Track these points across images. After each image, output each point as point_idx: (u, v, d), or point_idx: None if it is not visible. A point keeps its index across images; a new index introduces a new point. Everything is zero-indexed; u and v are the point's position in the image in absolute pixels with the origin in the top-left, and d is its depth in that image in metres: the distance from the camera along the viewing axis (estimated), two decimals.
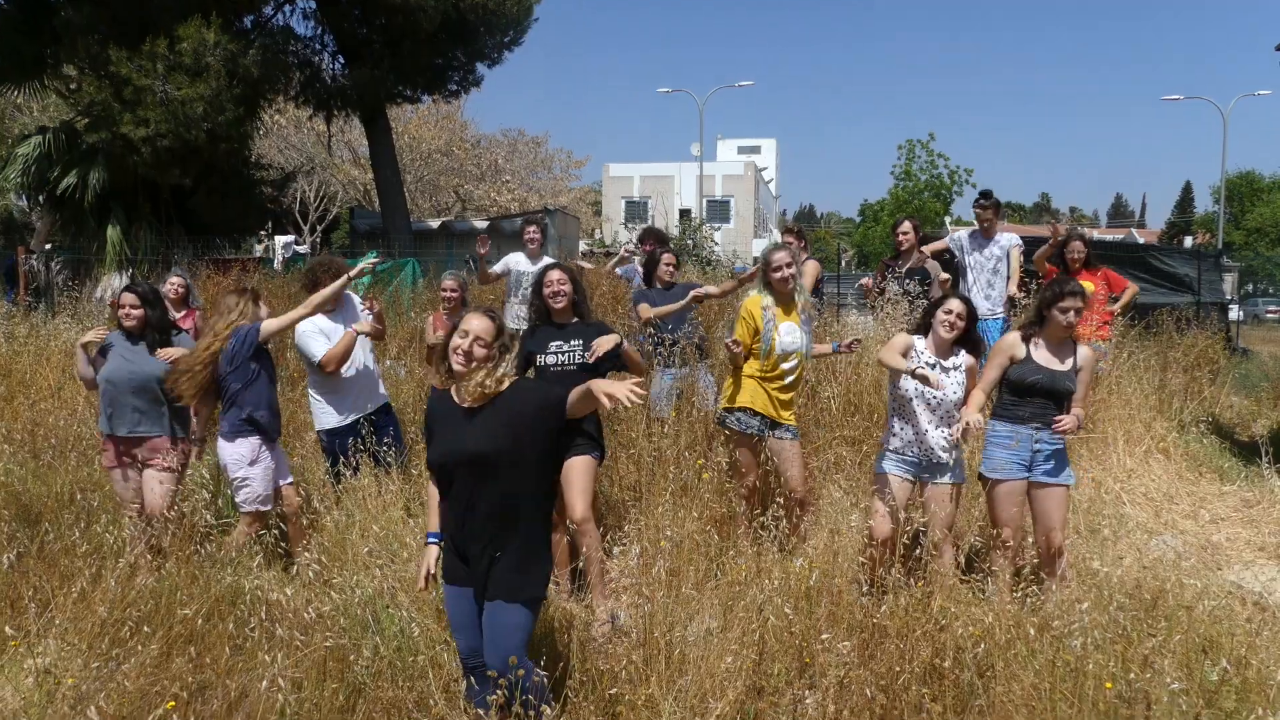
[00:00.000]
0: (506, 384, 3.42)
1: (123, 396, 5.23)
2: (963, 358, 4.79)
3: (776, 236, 48.54)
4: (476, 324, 3.42)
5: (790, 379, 5.32)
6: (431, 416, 3.54)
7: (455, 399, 3.47)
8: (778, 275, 5.29)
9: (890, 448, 4.82)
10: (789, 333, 5.29)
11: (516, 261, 8.10)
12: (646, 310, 6.53)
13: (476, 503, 3.36)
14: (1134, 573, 4.40)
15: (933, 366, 4.70)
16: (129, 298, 5.34)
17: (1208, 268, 14.05)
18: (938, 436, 4.69)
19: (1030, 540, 4.70)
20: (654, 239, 8.61)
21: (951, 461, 4.74)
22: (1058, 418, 4.55)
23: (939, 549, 4.55)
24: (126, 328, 5.32)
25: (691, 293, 6.56)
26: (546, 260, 7.97)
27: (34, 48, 15.38)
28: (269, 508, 5.27)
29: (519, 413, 3.36)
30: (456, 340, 3.40)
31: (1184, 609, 3.79)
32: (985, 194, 8.14)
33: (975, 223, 8.21)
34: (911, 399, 4.71)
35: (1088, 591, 4.07)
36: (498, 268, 8.25)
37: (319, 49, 18.51)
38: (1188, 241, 48.72)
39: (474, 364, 3.38)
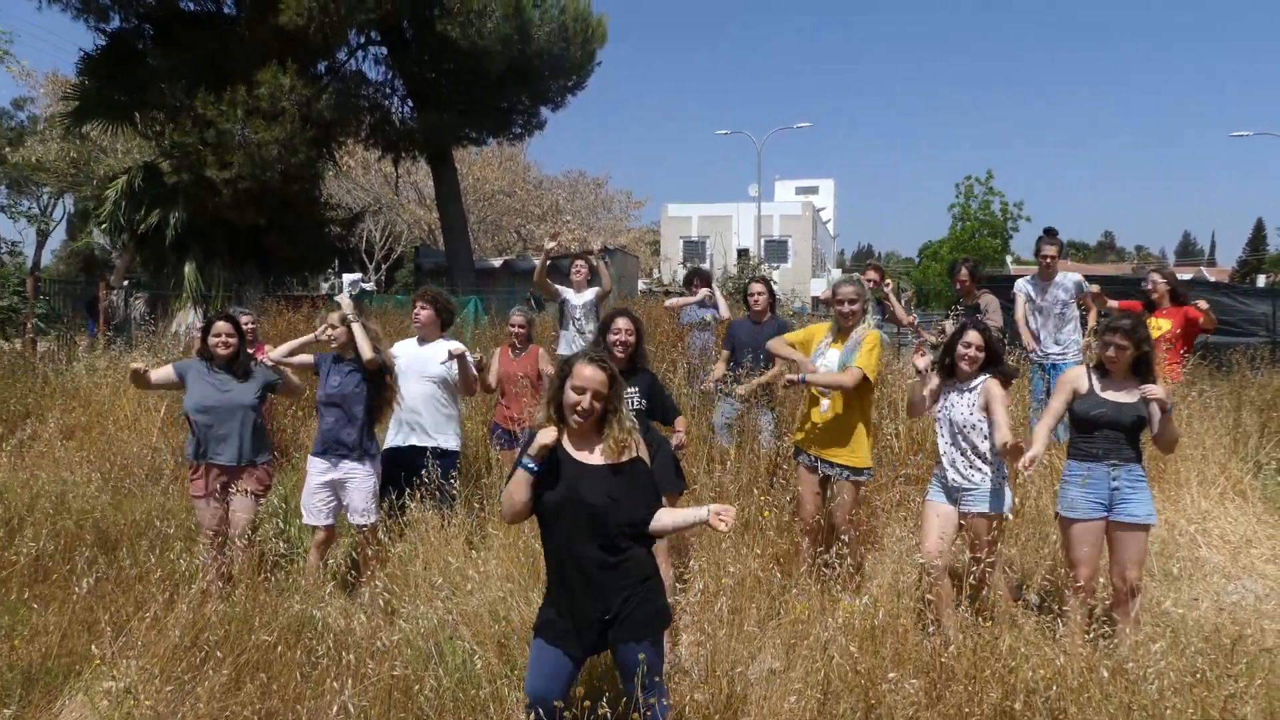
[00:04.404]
0: (634, 446, 3.39)
1: (218, 425, 5.34)
2: (980, 379, 4.83)
3: (836, 274, 48.34)
4: (589, 373, 3.34)
5: (825, 405, 5.24)
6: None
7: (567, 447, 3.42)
8: (839, 309, 5.33)
9: (934, 474, 4.96)
10: (829, 355, 5.32)
11: (568, 294, 8.29)
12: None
13: None
14: (1211, 616, 4.26)
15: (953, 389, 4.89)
16: (224, 326, 5.43)
17: None
18: (953, 456, 4.80)
19: (1103, 581, 4.58)
20: (701, 279, 8.68)
21: (982, 487, 4.74)
22: (1146, 385, 4.46)
23: (981, 578, 4.54)
24: (222, 355, 5.40)
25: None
26: (592, 292, 8.22)
27: (122, 92, 16.08)
28: (308, 520, 5.47)
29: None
30: (574, 396, 3.33)
31: (1265, 653, 3.66)
32: (1049, 231, 7.73)
33: (1035, 262, 7.82)
34: (937, 422, 4.89)
35: (1162, 634, 3.95)
36: (559, 288, 8.42)
37: (389, 93, 19.08)
38: (1260, 280, 47.30)
39: (591, 418, 3.35)
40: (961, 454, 4.79)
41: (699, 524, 3.28)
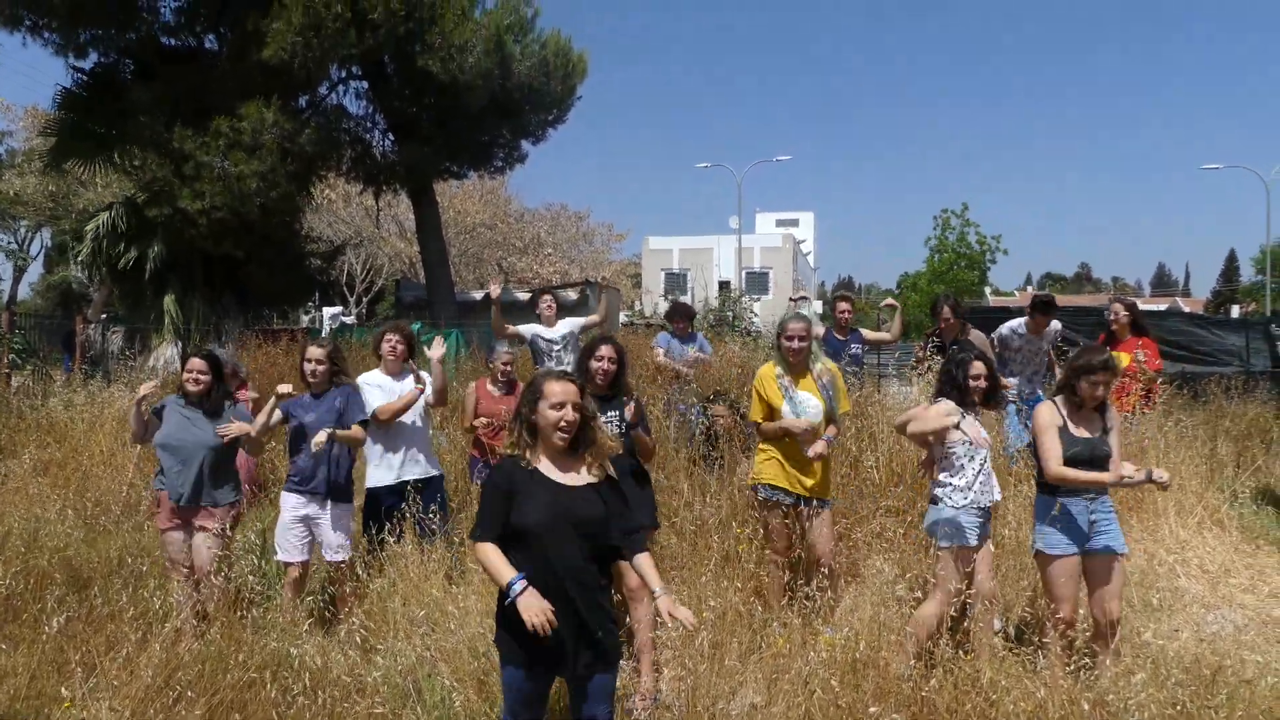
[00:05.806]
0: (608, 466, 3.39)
1: (179, 462, 5.30)
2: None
3: (817, 307, 48.64)
4: (562, 388, 3.32)
5: (822, 447, 5.20)
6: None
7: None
8: (789, 345, 5.31)
9: (971, 513, 4.67)
10: (805, 400, 5.29)
11: (536, 331, 8.29)
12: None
13: None
14: (1191, 647, 4.27)
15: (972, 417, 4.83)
16: (197, 363, 5.42)
17: (1256, 336, 13.82)
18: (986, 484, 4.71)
19: (1083, 612, 4.58)
20: (683, 316, 8.78)
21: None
22: (1157, 472, 4.45)
23: (963, 607, 4.49)
24: (192, 392, 5.38)
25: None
26: (569, 324, 8.27)
27: (102, 126, 16.05)
28: (281, 557, 5.49)
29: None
30: (554, 414, 3.28)
31: (1245, 684, 3.67)
32: (1048, 303, 7.97)
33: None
34: (975, 449, 4.74)
35: (1143, 665, 3.95)
36: (522, 330, 8.38)
37: (370, 127, 19.12)
38: (1234, 310, 47.92)
39: (574, 432, 3.32)
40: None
41: (654, 599, 3.22)
